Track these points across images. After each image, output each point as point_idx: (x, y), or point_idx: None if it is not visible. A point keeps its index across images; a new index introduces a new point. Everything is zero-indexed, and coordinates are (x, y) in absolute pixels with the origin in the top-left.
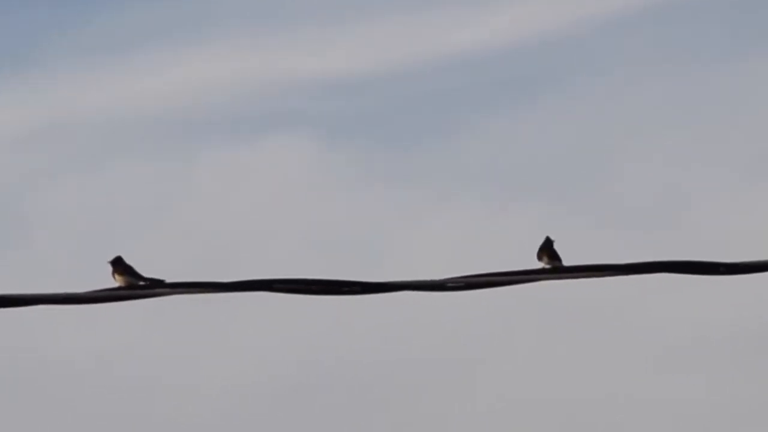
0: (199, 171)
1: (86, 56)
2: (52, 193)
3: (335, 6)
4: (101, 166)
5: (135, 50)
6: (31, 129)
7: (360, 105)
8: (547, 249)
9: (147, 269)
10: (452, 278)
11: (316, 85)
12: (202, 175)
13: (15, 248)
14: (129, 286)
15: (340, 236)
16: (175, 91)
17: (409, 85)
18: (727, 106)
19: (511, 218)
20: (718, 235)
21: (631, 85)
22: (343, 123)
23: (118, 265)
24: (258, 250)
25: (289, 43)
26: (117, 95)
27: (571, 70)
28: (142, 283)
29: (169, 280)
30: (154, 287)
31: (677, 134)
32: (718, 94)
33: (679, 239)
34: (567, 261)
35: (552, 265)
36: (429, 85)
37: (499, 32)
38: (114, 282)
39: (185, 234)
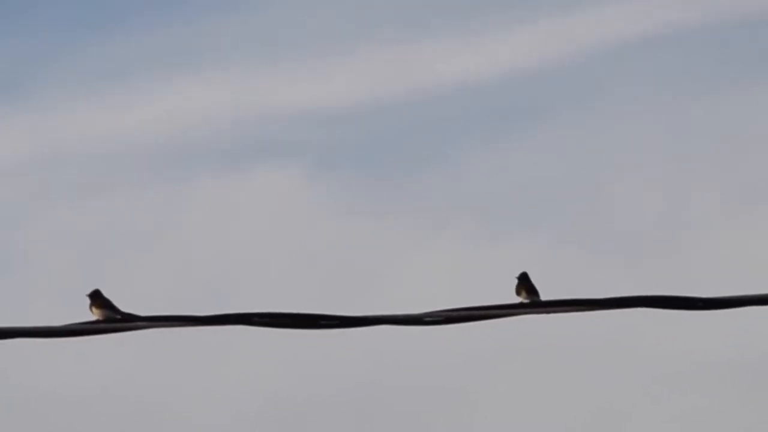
0: (189, 201)
1: (79, 86)
2: (42, 222)
3: (327, 37)
4: (92, 197)
5: (128, 80)
6: (23, 159)
7: (351, 135)
8: (525, 284)
9: (136, 299)
10: (430, 312)
11: (308, 115)
12: (192, 205)
13: (5, 277)
14: (107, 320)
15: (329, 266)
16: (165, 121)
17: (401, 115)
18: (721, 136)
19: (502, 248)
20: (710, 265)
21: (625, 115)
22: (333, 153)
23: (97, 298)
24: (247, 280)
25: (281, 74)
26: (109, 125)
27: (565, 100)
28: (119, 317)
29: (150, 312)
30: (132, 320)
31: (673, 165)
32: (711, 124)
33: (672, 269)
34: (558, 292)
35: (530, 299)
36: (421, 115)
37: (493, 62)
38: (92, 315)
39: (174, 264)
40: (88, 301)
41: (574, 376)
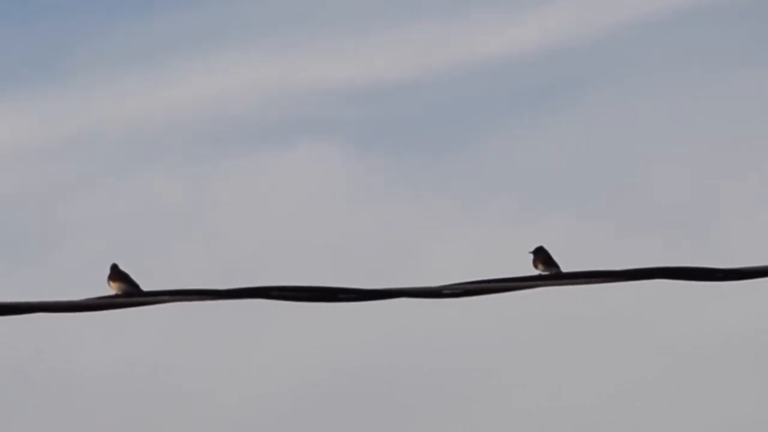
0: (226, 179)
1: (120, 64)
2: (79, 202)
3: (364, 14)
4: (129, 175)
5: (163, 59)
6: (59, 139)
7: (388, 112)
8: (541, 256)
9: (175, 276)
10: (449, 285)
11: (344, 93)
12: (229, 183)
13: (44, 257)
14: (125, 294)
15: (366, 243)
16: (203, 100)
17: (438, 92)
18: (755, 112)
19: (539, 225)
20: (744, 241)
21: (657, 90)
22: (370, 131)
23: (114, 272)
24: (286, 257)
25: (319, 51)
26: (149, 103)
27: (603, 75)
28: (137, 290)
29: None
30: (150, 294)
31: (704, 141)
32: (745, 99)
33: (706, 244)
34: (586, 267)
35: (549, 271)
36: (457, 92)
37: (526, 40)
38: (109, 289)
39: (212, 242)
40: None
41: (595, 348)
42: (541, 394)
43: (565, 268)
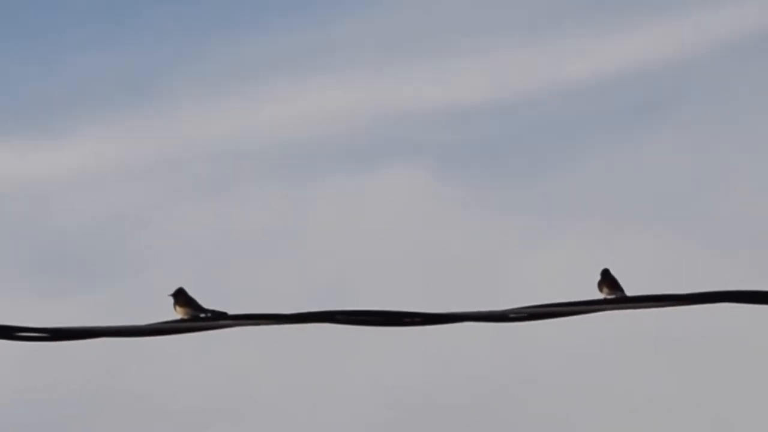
0: (317, 200)
1: (205, 88)
2: (168, 223)
3: (451, 37)
4: (222, 196)
5: (254, 81)
6: (154, 160)
7: (479, 133)
8: (607, 280)
9: (262, 297)
10: (514, 309)
11: (437, 114)
12: (319, 205)
13: (131, 278)
14: (191, 318)
15: (451, 265)
16: (292, 121)
17: (523, 115)
18: None
19: (620, 246)
20: None
21: (751, 110)
22: (457, 152)
23: (180, 296)
24: (373, 278)
25: (406, 74)
26: (238, 125)
27: (682, 97)
28: (203, 315)
29: (232, 311)
30: (216, 319)
31: None
32: None
33: None
34: (678, 288)
35: (614, 294)
36: (541, 115)
37: (611, 61)
38: (175, 314)
39: (300, 264)
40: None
41: (663, 371)
42: (609, 417)
43: (649, 291)
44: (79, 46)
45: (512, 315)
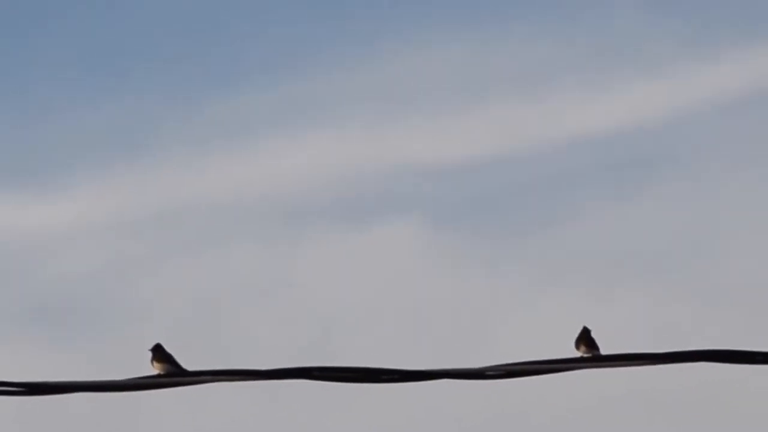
0: (305, 256)
1: (200, 143)
2: (156, 279)
3: (442, 92)
4: (211, 251)
5: (246, 137)
6: (144, 214)
7: (469, 190)
8: (584, 338)
9: (251, 352)
10: (492, 366)
11: (428, 170)
12: (307, 261)
13: (123, 332)
14: (168, 374)
15: (445, 322)
16: (281, 177)
17: (518, 169)
18: None
19: (616, 304)
20: None
21: (742, 170)
22: (449, 208)
23: (158, 352)
24: (363, 335)
25: (402, 129)
26: (229, 181)
27: (677, 156)
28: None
29: (210, 368)
30: (193, 375)
31: None
32: None
33: None
34: (674, 347)
35: (590, 353)
36: (535, 171)
37: (612, 116)
38: (152, 370)
39: (290, 318)
40: (149, 355)
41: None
42: None
43: (638, 349)
44: (74, 101)
45: (490, 372)
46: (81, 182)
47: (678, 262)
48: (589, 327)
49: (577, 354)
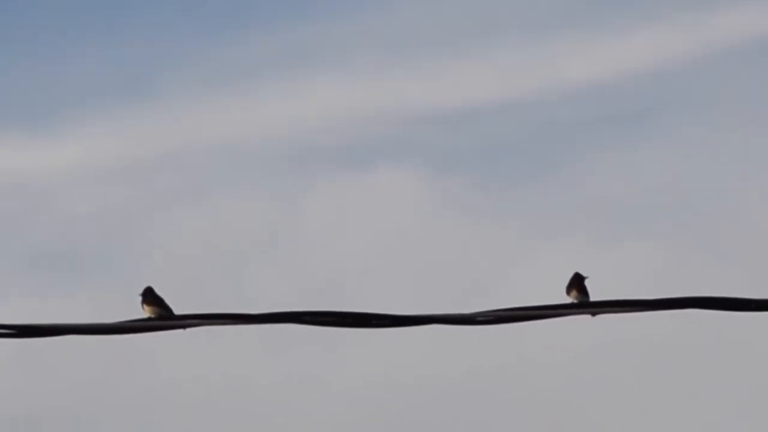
0: (308, 200)
1: (203, 86)
2: (160, 222)
3: (446, 39)
4: (210, 196)
5: (247, 81)
6: (150, 157)
7: (472, 136)
8: (576, 284)
9: (255, 299)
10: (482, 312)
11: (430, 116)
12: (310, 206)
13: (129, 274)
14: (159, 317)
15: (444, 268)
16: (283, 122)
17: (518, 118)
18: None
19: (621, 252)
20: None
21: (746, 117)
22: (451, 155)
23: (148, 296)
24: (363, 280)
25: (405, 74)
26: (233, 124)
27: (687, 101)
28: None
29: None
30: (182, 318)
31: None
32: None
33: None
34: (659, 294)
35: (579, 299)
36: (537, 118)
37: (610, 65)
38: (143, 313)
39: (292, 264)
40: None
41: (628, 377)
42: (574, 421)
43: (638, 296)
44: (79, 44)
45: (480, 318)
46: (85, 125)
47: (680, 209)
48: (583, 273)
49: (568, 300)
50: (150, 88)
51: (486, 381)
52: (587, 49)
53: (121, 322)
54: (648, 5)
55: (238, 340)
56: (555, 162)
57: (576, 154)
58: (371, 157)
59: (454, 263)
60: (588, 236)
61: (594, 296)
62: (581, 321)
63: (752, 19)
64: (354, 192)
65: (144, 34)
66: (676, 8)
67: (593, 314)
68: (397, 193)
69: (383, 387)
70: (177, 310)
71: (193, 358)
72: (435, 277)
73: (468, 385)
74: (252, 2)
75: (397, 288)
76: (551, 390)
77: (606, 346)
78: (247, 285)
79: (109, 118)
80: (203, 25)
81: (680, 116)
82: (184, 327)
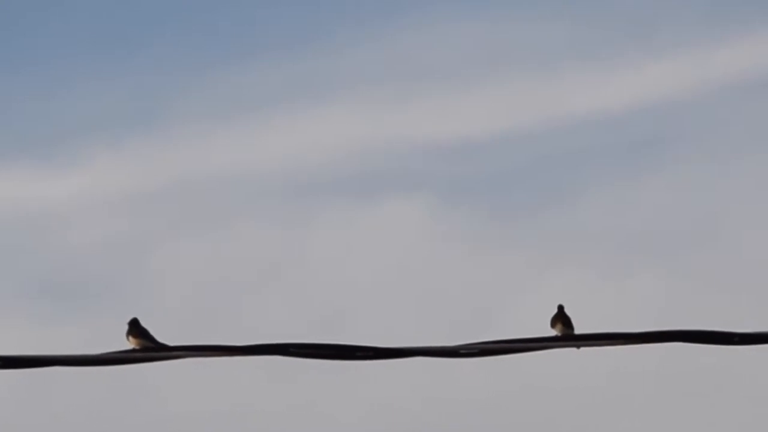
0: (315, 233)
1: (210, 118)
2: (168, 252)
3: (453, 71)
4: (218, 227)
5: (255, 113)
6: (154, 189)
7: (477, 168)
8: (560, 317)
9: (258, 328)
10: (466, 345)
11: (436, 148)
12: (315, 238)
13: (130, 305)
14: (143, 349)
15: (450, 300)
16: (294, 153)
17: (525, 150)
18: None
19: (626, 283)
20: None
21: (751, 150)
22: (459, 186)
23: (134, 327)
24: (368, 313)
25: (411, 107)
26: (239, 157)
27: (691, 134)
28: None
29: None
30: (169, 350)
31: None
32: None
33: None
34: (662, 326)
35: (564, 332)
36: (544, 150)
37: (618, 96)
38: (128, 344)
39: (298, 295)
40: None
41: (612, 411)
42: None
43: (617, 329)
44: (85, 75)
45: (463, 351)
46: (94, 155)
47: (686, 241)
48: (563, 305)
49: (553, 333)
50: (156, 120)
51: (477, 411)
52: (593, 82)
53: (104, 354)
54: (654, 39)
55: (230, 370)
56: (561, 193)
57: (582, 186)
58: (378, 189)
59: (460, 295)
60: (594, 267)
61: (592, 328)
62: (567, 353)
63: (757, 54)
64: (360, 223)
65: (150, 67)
66: (682, 42)
67: (578, 347)
68: (403, 224)
69: (378, 416)
70: (175, 341)
71: (183, 389)
72: (441, 308)
73: (463, 415)
74: (258, 35)
75: (402, 319)
76: (542, 420)
77: (593, 377)
78: (250, 316)
79: (114, 149)
80: (209, 57)
81: (691, 148)
82: (168, 358)
